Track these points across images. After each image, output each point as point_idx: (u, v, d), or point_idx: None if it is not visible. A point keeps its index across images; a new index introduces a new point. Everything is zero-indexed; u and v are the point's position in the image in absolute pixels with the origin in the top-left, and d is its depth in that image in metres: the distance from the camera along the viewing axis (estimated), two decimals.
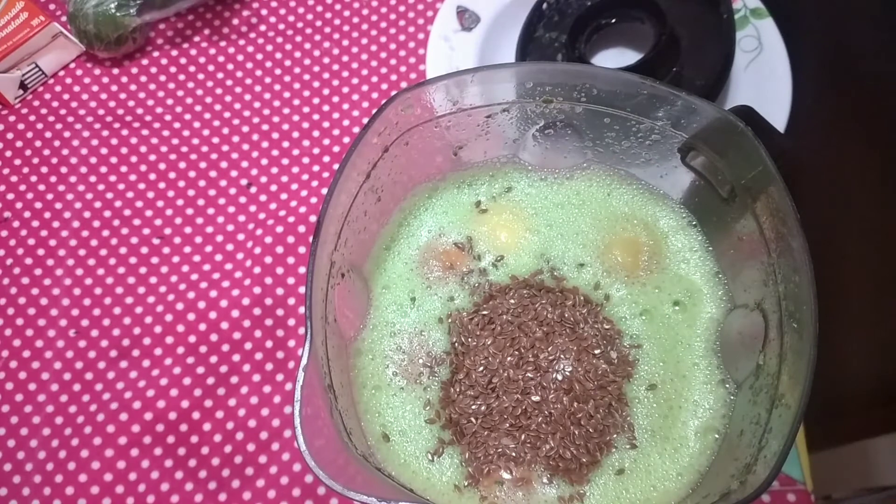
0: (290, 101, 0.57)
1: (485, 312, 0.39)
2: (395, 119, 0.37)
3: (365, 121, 0.37)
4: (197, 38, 0.60)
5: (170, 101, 0.58)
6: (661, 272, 0.40)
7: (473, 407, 0.36)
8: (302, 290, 0.51)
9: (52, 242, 0.53)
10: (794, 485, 0.42)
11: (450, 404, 0.37)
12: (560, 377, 0.37)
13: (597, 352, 0.37)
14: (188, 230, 0.53)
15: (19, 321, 0.50)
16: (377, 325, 0.39)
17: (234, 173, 0.55)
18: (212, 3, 0.61)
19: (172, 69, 0.59)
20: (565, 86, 0.38)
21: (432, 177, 0.42)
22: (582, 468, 0.35)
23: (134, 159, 0.56)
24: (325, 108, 0.57)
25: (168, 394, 0.47)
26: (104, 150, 0.56)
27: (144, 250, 0.52)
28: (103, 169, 0.55)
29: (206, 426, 0.46)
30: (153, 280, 0.51)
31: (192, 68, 0.59)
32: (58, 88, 0.59)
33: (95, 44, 0.57)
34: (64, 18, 0.58)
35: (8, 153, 0.56)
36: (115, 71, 0.59)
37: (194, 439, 0.46)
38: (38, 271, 0.52)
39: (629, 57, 0.55)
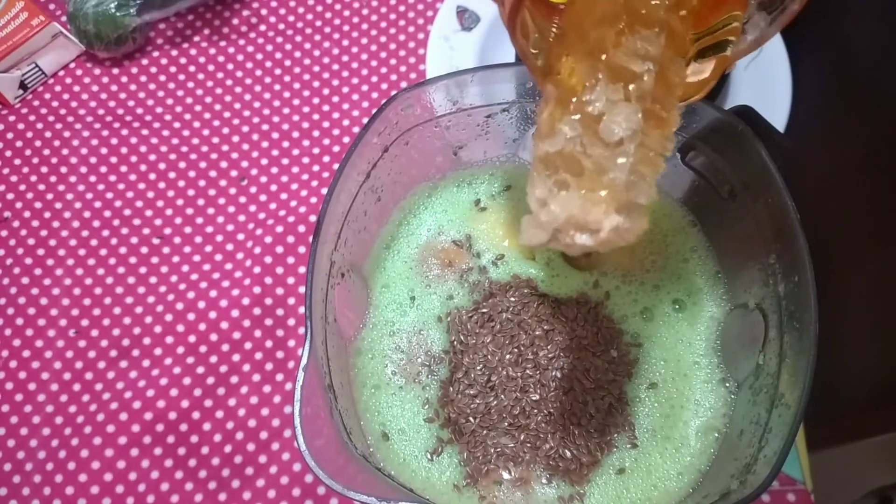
0: (290, 101, 0.57)
1: (484, 310, 0.39)
2: (395, 119, 0.37)
3: (365, 121, 0.37)
4: (197, 38, 0.60)
5: (170, 101, 0.58)
6: (660, 271, 0.40)
7: (472, 406, 0.36)
8: (302, 290, 0.51)
9: (52, 242, 0.53)
10: (794, 485, 0.42)
11: (448, 403, 0.37)
12: (560, 375, 0.37)
13: (597, 350, 0.37)
14: (188, 230, 0.53)
15: (19, 321, 0.50)
16: (377, 324, 0.39)
17: (234, 173, 0.55)
18: (212, 3, 0.61)
19: (172, 69, 0.59)
20: None
21: (432, 176, 0.42)
22: (582, 468, 0.35)
23: (134, 159, 0.56)
24: (325, 108, 0.57)
25: (168, 394, 0.47)
26: (104, 150, 0.56)
27: (144, 250, 0.52)
28: (103, 169, 0.55)
29: (206, 426, 0.46)
30: (153, 280, 0.51)
31: (192, 68, 0.59)
32: (58, 88, 0.59)
33: (95, 44, 0.57)
34: (64, 18, 0.58)
35: (8, 153, 0.56)
36: (115, 71, 0.59)
37: (194, 439, 0.46)
38: (38, 271, 0.52)
39: None
